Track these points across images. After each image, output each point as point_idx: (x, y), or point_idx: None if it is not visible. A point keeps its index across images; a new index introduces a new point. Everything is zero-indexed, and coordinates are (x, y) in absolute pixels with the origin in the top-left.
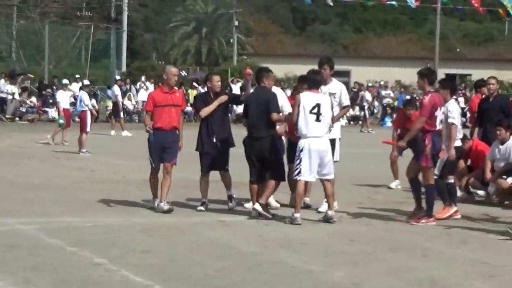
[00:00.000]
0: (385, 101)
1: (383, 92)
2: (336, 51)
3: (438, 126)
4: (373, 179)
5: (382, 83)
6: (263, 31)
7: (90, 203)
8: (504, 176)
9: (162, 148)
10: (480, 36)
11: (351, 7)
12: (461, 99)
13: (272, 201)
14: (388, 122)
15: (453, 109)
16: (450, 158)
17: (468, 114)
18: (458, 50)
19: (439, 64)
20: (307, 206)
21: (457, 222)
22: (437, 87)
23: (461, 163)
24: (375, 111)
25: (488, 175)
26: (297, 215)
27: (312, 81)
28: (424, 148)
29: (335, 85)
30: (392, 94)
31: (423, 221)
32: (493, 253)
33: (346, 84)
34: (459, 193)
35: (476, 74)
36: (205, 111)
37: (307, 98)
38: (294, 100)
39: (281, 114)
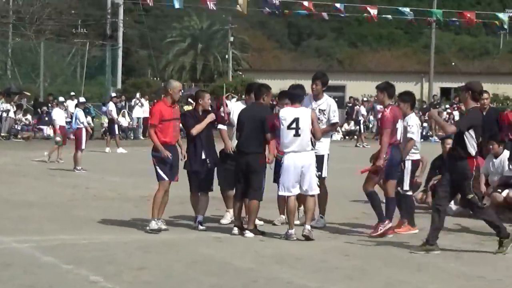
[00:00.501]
0: (380, 115)
1: (378, 107)
2: (331, 66)
3: (398, 138)
4: None
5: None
6: (259, 46)
7: (85, 220)
8: (499, 190)
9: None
10: (475, 50)
11: (346, 22)
12: (456, 113)
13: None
14: None
15: (413, 124)
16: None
17: None
18: (453, 64)
19: (434, 78)
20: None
21: (452, 236)
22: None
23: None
24: (370, 125)
25: (483, 188)
26: (291, 231)
27: (292, 96)
28: (377, 160)
29: (325, 102)
30: None
31: (380, 227)
32: (488, 267)
33: (341, 98)
34: (454, 206)
35: None
36: (197, 129)
37: (286, 113)
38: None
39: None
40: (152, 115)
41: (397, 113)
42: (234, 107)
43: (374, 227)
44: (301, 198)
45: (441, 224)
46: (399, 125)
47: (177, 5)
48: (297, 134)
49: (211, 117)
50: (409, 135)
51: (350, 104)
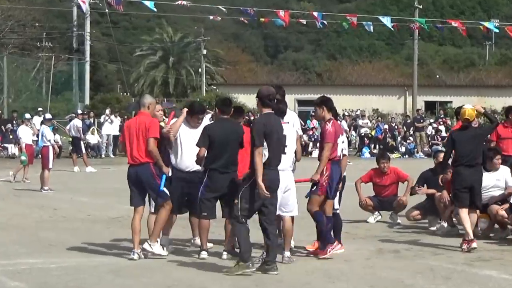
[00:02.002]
0: (363, 130)
1: (360, 122)
2: (309, 79)
3: (338, 154)
4: (351, 214)
5: (358, 112)
6: (233, 59)
7: (53, 243)
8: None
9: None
10: (460, 62)
11: (324, 34)
12: (442, 127)
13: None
14: (366, 153)
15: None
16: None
17: None
18: (437, 76)
19: (418, 91)
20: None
21: (441, 257)
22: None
23: (445, 194)
24: (353, 141)
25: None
26: (288, 253)
27: (277, 111)
28: (321, 177)
29: (289, 115)
30: (369, 124)
31: (328, 249)
32: None
33: None
34: (445, 224)
35: (457, 101)
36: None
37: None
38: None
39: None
40: (155, 129)
41: (338, 128)
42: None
43: (319, 247)
44: (277, 220)
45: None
46: (338, 140)
47: (151, 6)
48: (283, 152)
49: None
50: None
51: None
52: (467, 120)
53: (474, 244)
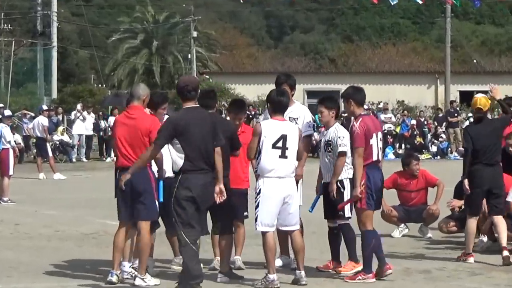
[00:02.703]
0: (386, 127)
1: (383, 116)
2: (321, 66)
3: (375, 157)
4: None
5: (380, 105)
6: (229, 43)
7: (15, 264)
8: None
9: None
10: (502, 44)
11: (338, 11)
12: None
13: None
14: (390, 153)
15: (343, 135)
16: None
17: None
18: (474, 61)
19: (451, 79)
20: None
21: (480, 278)
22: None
23: (484, 204)
24: None
25: None
26: (272, 276)
27: (278, 105)
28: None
29: (298, 109)
30: (393, 118)
31: (359, 277)
32: None
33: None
34: (485, 239)
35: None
36: None
37: (270, 128)
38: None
39: None
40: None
41: (370, 124)
42: None
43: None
44: (281, 236)
45: None
46: (374, 140)
47: None
48: (283, 156)
49: None
50: (340, 148)
51: (346, 114)
52: (480, 110)
53: (471, 259)
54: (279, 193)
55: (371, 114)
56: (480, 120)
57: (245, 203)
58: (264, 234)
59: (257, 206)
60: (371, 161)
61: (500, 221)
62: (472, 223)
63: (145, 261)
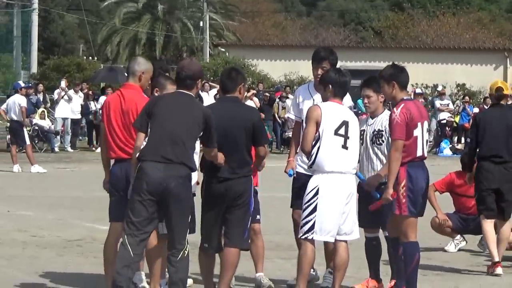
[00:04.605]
0: (442, 116)
1: (438, 103)
2: (363, 39)
3: (419, 152)
4: (421, 238)
5: (439, 88)
6: (251, 9)
7: None
8: None
9: None
10: None
11: None
12: None
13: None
14: (447, 149)
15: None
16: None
17: None
18: None
19: None
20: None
21: None
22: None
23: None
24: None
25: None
26: None
27: (341, 86)
28: (397, 187)
29: None
30: (452, 106)
31: None
32: None
33: None
34: None
35: None
36: None
37: (331, 111)
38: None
39: None
40: None
41: (414, 111)
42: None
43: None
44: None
45: None
46: (418, 131)
47: None
48: (345, 146)
49: None
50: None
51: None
52: (500, 90)
53: (498, 270)
54: (342, 193)
55: (423, 99)
56: (496, 106)
57: (257, 205)
58: (305, 242)
59: (313, 211)
60: (415, 157)
61: (505, 228)
62: (488, 225)
63: (159, 274)
